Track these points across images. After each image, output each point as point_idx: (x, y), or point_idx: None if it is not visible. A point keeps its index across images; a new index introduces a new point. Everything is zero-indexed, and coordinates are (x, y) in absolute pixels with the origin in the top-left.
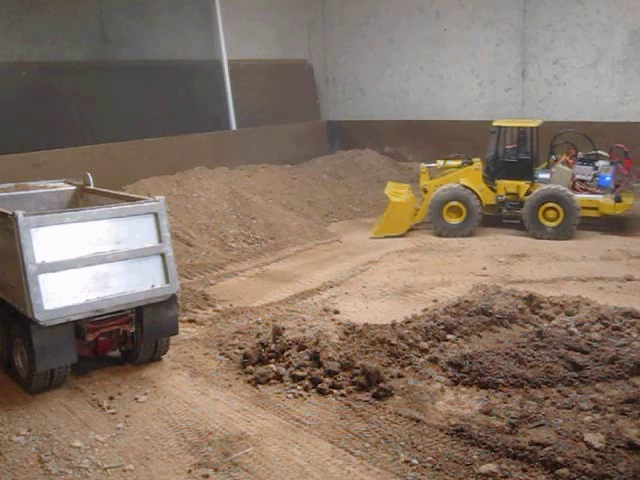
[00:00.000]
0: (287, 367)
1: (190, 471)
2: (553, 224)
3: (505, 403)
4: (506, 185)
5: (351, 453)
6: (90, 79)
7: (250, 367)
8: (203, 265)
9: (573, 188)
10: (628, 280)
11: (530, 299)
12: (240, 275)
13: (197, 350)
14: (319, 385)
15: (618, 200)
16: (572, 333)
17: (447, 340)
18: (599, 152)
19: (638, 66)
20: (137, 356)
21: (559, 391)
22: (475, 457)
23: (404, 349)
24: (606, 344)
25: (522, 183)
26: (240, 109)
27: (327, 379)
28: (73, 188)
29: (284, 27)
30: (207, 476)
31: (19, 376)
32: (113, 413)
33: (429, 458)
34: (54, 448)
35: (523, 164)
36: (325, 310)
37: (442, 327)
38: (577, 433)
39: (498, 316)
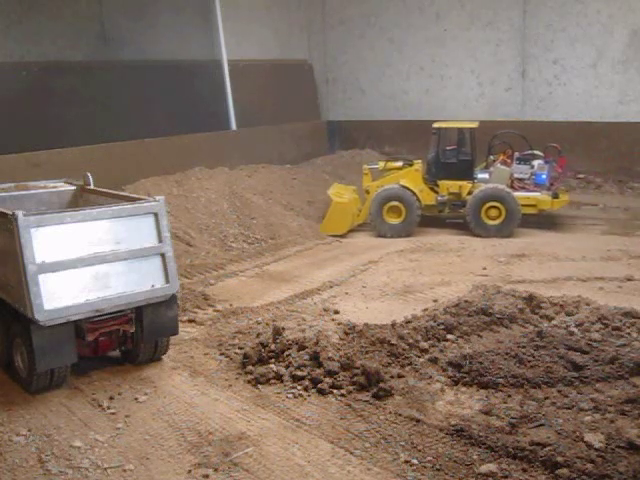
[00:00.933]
0: (287, 367)
1: (190, 471)
2: (495, 222)
3: (505, 403)
4: (449, 185)
5: (351, 453)
6: (90, 79)
7: (250, 367)
8: (203, 265)
9: (512, 187)
10: (628, 280)
11: (530, 299)
12: (240, 275)
13: (197, 350)
14: (319, 385)
15: (555, 197)
16: (572, 333)
17: (447, 340)
18: (534, 151)
19: (638, 66)
20: (137, 356)
21: (559, 391)
22: (475, 457)
23: (404, 349)
24: (606, 344)
25: (464, 183)
26: (240, 109)
27: (327, 379)
28: (73, 188)
29: (284, 27)
30: (207, 476)
31: (19, 376)
32: (113, 413)
33: (429, 458)
34: (54, 448)
35: (464, 165)
36: (325, 310)
37: (442, 327)
38: (577, 433)
39: (498, 316)
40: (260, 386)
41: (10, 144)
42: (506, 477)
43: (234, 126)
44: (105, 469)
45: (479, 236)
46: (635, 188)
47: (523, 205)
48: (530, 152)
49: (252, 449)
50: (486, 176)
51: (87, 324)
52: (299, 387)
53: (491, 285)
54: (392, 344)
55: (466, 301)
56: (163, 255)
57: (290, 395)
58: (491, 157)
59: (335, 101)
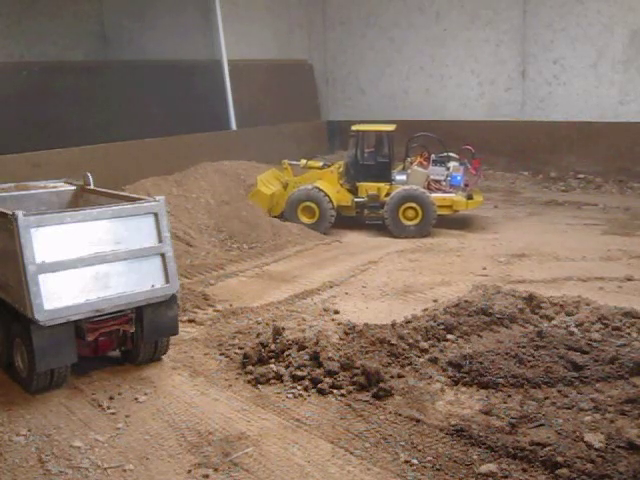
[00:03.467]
0: (287, 367)
1: (190, 471)
2: (413, 223)
3: (505, 403)
4: (367, 187)
5: (351, 453)
6: (90, 79)
7: (250, 367)
8: (203, 265)
9: (428, 188)
10: (628, 280)
11: (530, 299)
12: (240, 275)
13: (197, 350)
14: (319, 385)
15: (470, 198)
16: (572, 333)
17: (447, 340)
18: (449, 154)
19: (638, 66)
20: (137, 356)
21: (559, 391)
22: (475, 457)
23: (404, 349)
24: (606, 344)
25: (382, 185)
26: (240, 109)
27: (327, 379)
28: (73, 188)
29: (284, 27)
30: (207, 476)
31: (19, 376)
32: (113, 413)
33: (429, 458)
34: (54, 448)
35: (382, 167)
36: (325, 310)
37: (442, 327)
38: (577, 433)
39: (498, 316)
40: (260, 386)
41: (10, 144)
42: (506, 477)
43: (234, 126)
44: (105, 469)
45: (397, 237)
46: (635, 188)
47: (439, 206)
48: (445, 154)
49: (252, 449)
50: (403, 178)
51: (87, 324)
52: (299, 387)
53: (491, 285)
54: (392, 344)
55: (466, 301)
56: (163, 255)
57: (290, 395)
58: (408, 159)
59: (335, 101)
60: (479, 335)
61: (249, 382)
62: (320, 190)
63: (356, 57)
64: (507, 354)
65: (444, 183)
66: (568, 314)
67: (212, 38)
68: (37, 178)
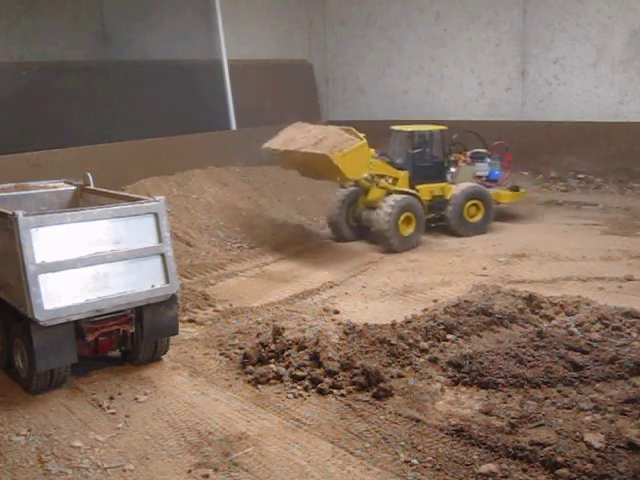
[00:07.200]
0: (287, 367)
1: (190, 471)
2: (475, 220)
3: (505, 403)
4: (431, 189)
5: (351, 453)
6: (90, 79)
7: (250, 367)
8: (203, 265)
9: None
10: (628, 280)
11: (530, 299)
12: (240, 275)
13: (197, 350)
14: (319, 385)
15: (515, 189)
16: (572, 333)
17: (447, 340)
18: (480, 150)
19: (638, 66)
20: (137, 356)
21: (559, 391)
22: (475, 457)
23: (404, 349)
24: (606, 344)
25: (444, 185)
26: (240, 109)
27: (327, 379)
28: (73, 188)
29: (284, 27)
30: (207, 476)
31: (19, 376)
32: (113, 413)
33: (429, 458)
34: (54, 448)
35: (437, 167)
36: (325, 310)
37: (442, 327)
38: (577, 433)
39: (498, 316)
40: (260, 386)
41: (10, 144)
42: (506, 477)
43: (234, 126)
44: (105, 469)
45: (459, 236)
46: (635, 188)
47: None
48: (477, 150)
49: (252, 449)
50: (449, 177)
51: (87, 324)
52: (299, 387)
53: (491, 285)
54: (392, 344)
55: (466, 301)
56: (163, 255)
57: (290, 395)
58: (451, 157)
59: (335, 101)
60: (479, 335)
61: (249, 382)
62: (416, 197)
63: (356, 57)
64: (507, 354)
65: (484, 178)
66: (568, 314)
67: (212, 38)
68: (37, 178)
